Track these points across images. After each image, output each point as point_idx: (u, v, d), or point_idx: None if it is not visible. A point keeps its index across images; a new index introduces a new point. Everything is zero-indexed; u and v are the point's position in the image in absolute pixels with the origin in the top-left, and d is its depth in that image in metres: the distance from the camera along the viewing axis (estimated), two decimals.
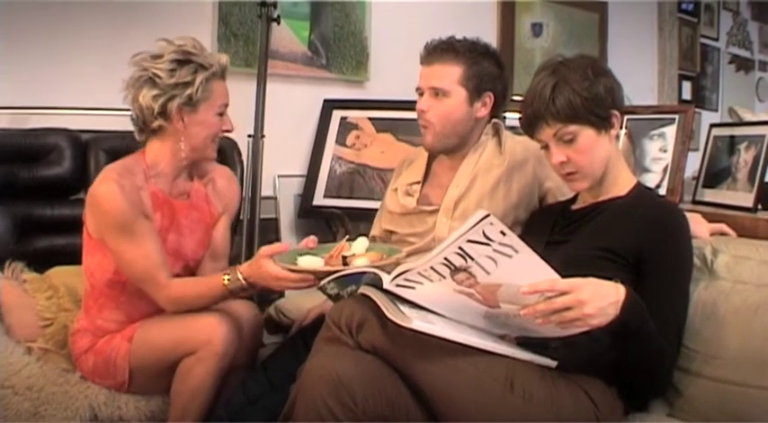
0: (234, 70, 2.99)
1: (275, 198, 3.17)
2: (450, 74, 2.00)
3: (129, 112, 1.95)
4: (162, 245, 1.91)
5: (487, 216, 1.28)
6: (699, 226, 1.85)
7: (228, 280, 1.81)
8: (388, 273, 1.96)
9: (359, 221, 2.81)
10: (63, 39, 2.70)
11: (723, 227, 1.88)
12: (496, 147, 2.09)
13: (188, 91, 1.86)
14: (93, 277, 1.95)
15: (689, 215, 1.79)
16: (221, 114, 1.96)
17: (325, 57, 3.32)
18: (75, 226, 2.14)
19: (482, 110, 2.05)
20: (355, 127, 3.22)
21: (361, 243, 1.78)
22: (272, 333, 2.29)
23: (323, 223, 3.12)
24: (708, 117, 4.75)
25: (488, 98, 2.04)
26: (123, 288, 1.93)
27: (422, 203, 2.09)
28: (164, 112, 1.88)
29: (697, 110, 4.78)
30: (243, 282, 1.80)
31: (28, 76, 2.61)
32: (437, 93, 2.01)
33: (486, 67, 2.02)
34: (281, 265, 1.72)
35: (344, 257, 1.72)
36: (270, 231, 3.11)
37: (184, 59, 1.87)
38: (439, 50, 2.02)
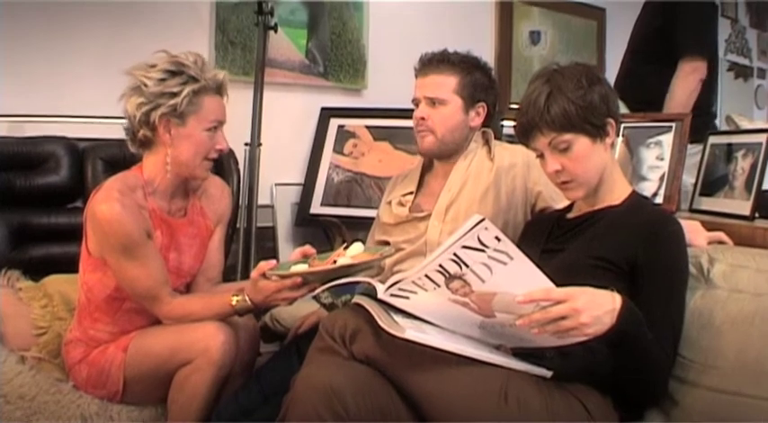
0: (231, 78, 2.97)
1: (272, 206, 3.17)
2: (446, 83, 2.07)
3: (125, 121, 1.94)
4: (164, 262, 1.90)
5: (482, 220, 1.28)
6: (697, 235, 1.84)
7: (237, 301, 1.82)
8: (378, 266, 2.01)
9: (356, 230, 2.80)
10: (60, 47, 2.71)
11: (721, 235, 1.87)
12: (486, 155, 2.14)
13: (173, 101, 1.84)
14: (91, 292, 1.94)
15: (687, 223, 1.78)
16: (212, 131, 1.92)
17: (323, 65, 3.32)
18: (71, 234, 2.14)
19: (476, 119, 2.12)
20: (353, 135, 3.22)
21: (356, 248, 1.79)
22: (268, 341, 2.29)
23: (320, 232, 3.12)
24: None
25: (482, 108, 2.11)
26: (121, 305, 1.93)
27: (414, 211, 2.13)
28: (147, 122, 1.86)
29: None
30: (249, 303, 1.81)
31: (25, 84, 2.62)
32: (434, 102, 2.07)
33: (479, 78, 2.10)
34: (270, 275, 1.73)
35: (335, 261, 1.72)
36: (267, 240, 3.11)
37: (177, 70, 1.86)
38: (435, 62, 2.08)
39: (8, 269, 2.25)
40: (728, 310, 1.62)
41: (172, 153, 1.90)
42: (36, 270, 2.31)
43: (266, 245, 3.09)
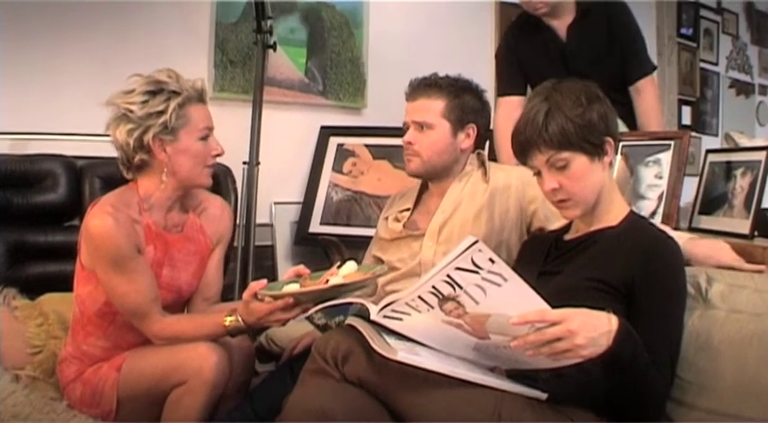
0: (230, 97, 3.05)
1: (271, 225, 3.16)
2: (433, 107, 2.08)
3: None
4: (155, 279, 1.89)
5: (476, 242, 1.26)
6: (721, 253, 1.78)
7: (229, 322, 1.80)
8: (374, 284, 2.00)
9: (356, 249, 2.79)
10: (59, 65, 2.72)
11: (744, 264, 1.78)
12: (482, 177, 2.14)
13: (162, 119, 1.84)
14: (84, 305, 1.93)
15: (714, 242, 1.79)
16: (205, 139, 1.92)
17: (323, 83, 3.33)
18: (68, 253, 2.13)
19: (466, 141, 2.12)
20: (352, 154, 3.22)
21: (349, 267, 1.78)
22: (264, 362, 2.27)
23: (319, 251, 3.10)
24: (708, 142, 4.74)
25: (471, 130, 2.12)
26: (113, 319, 1.92)
27: (409, 228, 2.14)
28: (142, 146, 1.86)
29: (697, 135, 4.81)
30: (242, 324, 1.79)
31: (23, 102, 2.63)
32: (422, 126, 2.09)
33: (467, 101, 2.10)
34: (262, 295, 1.72)
35: (327, 281, 1.71)
36: (266, 258, 3.11)
37: (156, 89, 1.86)
38: (422, 86, 2.11)
39: (4, 287, 2.25)
40: (726, 331, 1.60)
41: (169, 169, 1.90)
42: (32, 288, 2.30)
43: (265, 263, 3.08)
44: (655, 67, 2.89)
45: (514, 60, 2.88)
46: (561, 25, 2.78)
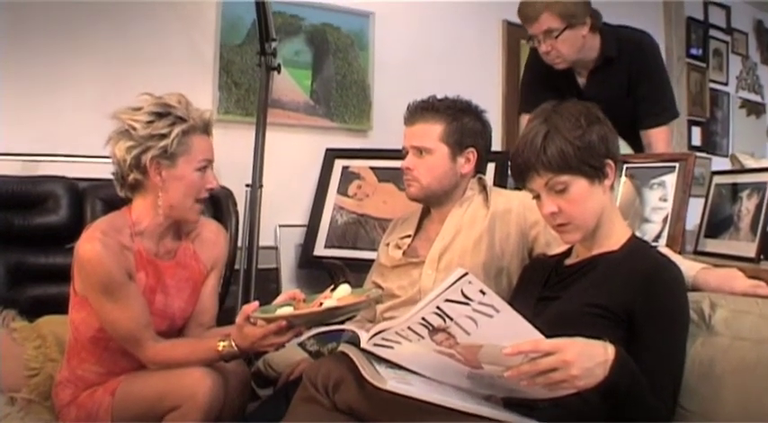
0: (234, 119, 3.05)
1: (276, 248, 3.14)
2: (431, 132, 2.05)
3: None
4: (147, 305, 1.88)
5: (465, 275, 1.24)
6: (735, 281, 1.73)
7: (223, 347, 1.78)
8: (373, 309, 1.97)
9: (360, 272, 2.75)
10: (62, 86, 2.73)
11: (762, 287, 1.71)
12: (483, 202, 2.11)
13: (163, 143, 1.83)
14: (78, 331, 1.92)
15: (727, 272, 1.74)
16: (202, 170, 1.91)
17: (328, 106, 3.32)
18: (68, 275, 2.12)
19: (466, 166, 2.09)
20: (357, 177, 3.19)
21: (343, 290, 1.75)
22: (262, 387, 2.24)
23: (324, 274, 3.07)
24: (718, 163, 4.69)
25: (471, 154, 2.08)
26: (106, 345, 1.91)
27: (409, 255, 2.11)
28: (138, 165, 1.85)
29: (707, 156, 4.76)
30: (236, 349, 1.77)
31: (26, 123, 2.63)
32: (421, 151, 2.06)
33: (466, 123, 2.07)
34: (255, 318, 1.70)
35: (321, 303, 1.68)
36: (271, 281, 3.08)
37: (163, 112, 1.85)
38: (420, 110, 2.08)
39: (4, 308, 2.24)
40: (730, 359, 1.57)
41: (163, 196, 1.89)
42: (32, 310, 2.29)
43: (270, 286, 3.06)
44: (674, 117, 2.79)
45: (542, 82, 2.83)
46: (583, 70, 2.76)
